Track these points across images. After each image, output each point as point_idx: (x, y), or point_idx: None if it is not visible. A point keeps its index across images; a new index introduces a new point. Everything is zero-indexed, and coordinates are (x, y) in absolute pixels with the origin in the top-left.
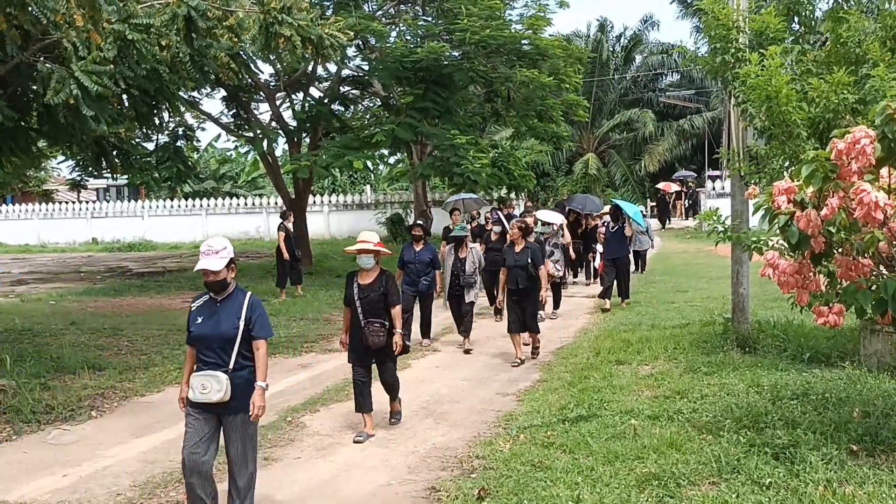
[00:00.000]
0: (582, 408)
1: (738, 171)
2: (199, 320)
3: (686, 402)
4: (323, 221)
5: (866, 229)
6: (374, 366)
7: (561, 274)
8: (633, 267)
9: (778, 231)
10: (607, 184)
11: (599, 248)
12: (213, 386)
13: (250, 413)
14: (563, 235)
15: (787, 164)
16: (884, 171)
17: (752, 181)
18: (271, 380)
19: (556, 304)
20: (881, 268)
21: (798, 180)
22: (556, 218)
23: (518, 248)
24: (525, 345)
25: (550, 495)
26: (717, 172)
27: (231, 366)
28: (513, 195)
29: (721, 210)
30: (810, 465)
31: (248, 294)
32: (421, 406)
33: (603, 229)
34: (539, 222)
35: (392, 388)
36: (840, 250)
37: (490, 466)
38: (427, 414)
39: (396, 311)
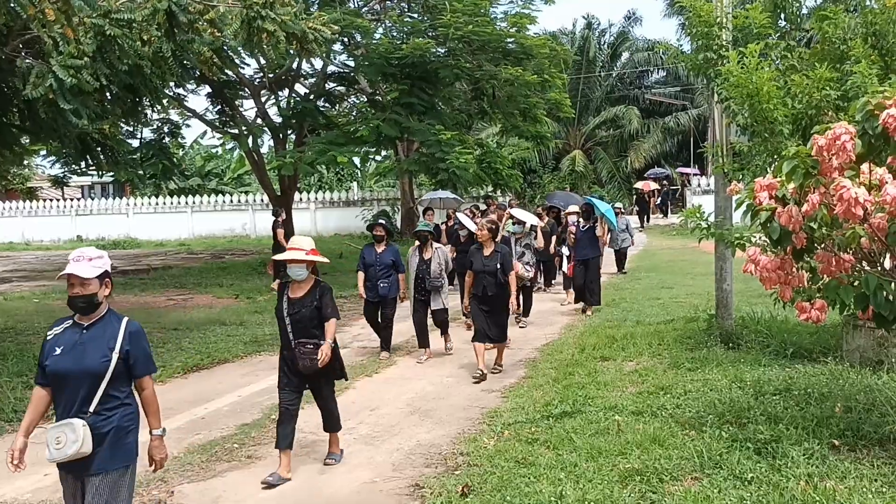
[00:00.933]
0: (566, 404)
1: (721, 167)
2: (58, 351)
3: (670, 397)
4: (309, 218)
5: (847, 225)
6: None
7: (531, 276)
8: (614, 268)
9: (760, 227)
10: (594, 180)
11: (565, 250)
12: (67, 437)
13: (151, 467)
14: (535, 237)
15: (769, 160)
16: (864, 166)
17: (736, 178)
18: (256, 377)
19: (527, 311)
20: (863, 263)
21: (780, 176)
22: (531, 218)
23: (487, 252)
24: (489, 348)
25: (534, 491)
26: (690, 170)
27: (92, 408)
28: (498, 192)
29: (704, 206)
30: (792, 460)
31: (125, 321)
32: (406, 403)
33: (573, 229)
34: (511, 220)
35: (330, 414)
36: (821, 246)
37: (474, 463)
38: (412, 411)
39: (331, 323)
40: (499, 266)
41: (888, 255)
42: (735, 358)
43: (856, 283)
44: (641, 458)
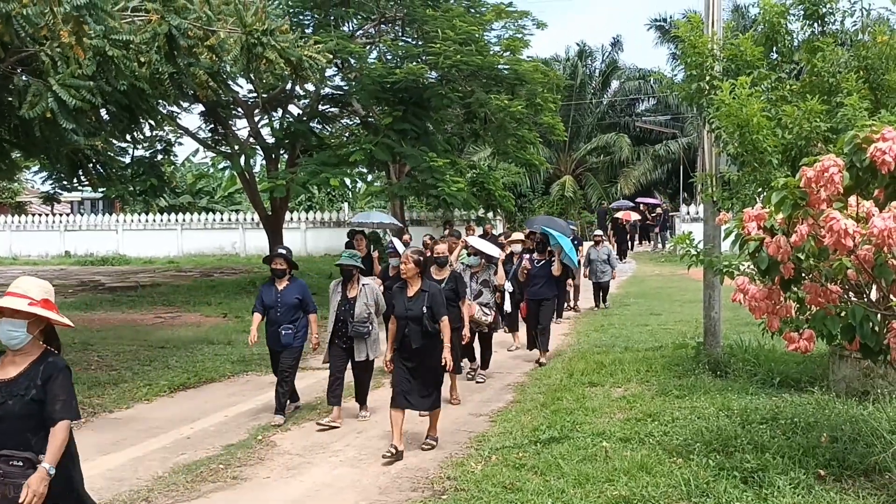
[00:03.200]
0: (554, 429)
1: (710, 196)
2: None
3: (657, 424)
4: (300, 238)
5: (834, 256)
6: None
7: (490, 321)
8: (593, 303)
9: (748, 256)
10: (583, 206)
11: (508, 286)
12: None
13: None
14: (495, 273)
15: (759, 190)
16: (851, 199)
17: (725, 207)
18: (243, 398)
19: (486, 363)
20: (849, 294)
21: (768, 207)
22: (492, 249)
23: (411, 292)
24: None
25: None
26: (653, 200)
27: None
28: (490, 214)
29: (694, 234)
30: (778, 490)
31: None
32: None
33: (527, 263)
34: (468, 252)
35: None
36: (809, 277)
37: (461, 488)
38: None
39: (60, 427)
40: (425, 310)
41: (874, 287)
42: (723, 386)
43: (842, 314)
44: (629, 485)
